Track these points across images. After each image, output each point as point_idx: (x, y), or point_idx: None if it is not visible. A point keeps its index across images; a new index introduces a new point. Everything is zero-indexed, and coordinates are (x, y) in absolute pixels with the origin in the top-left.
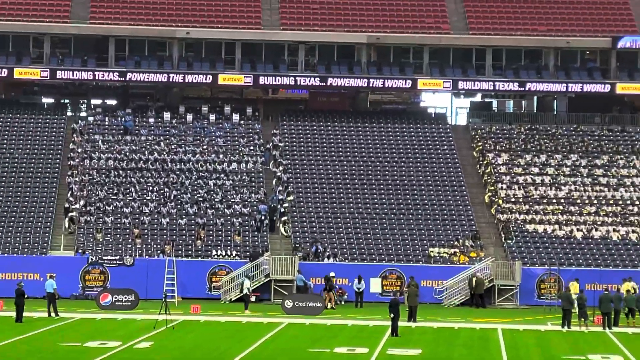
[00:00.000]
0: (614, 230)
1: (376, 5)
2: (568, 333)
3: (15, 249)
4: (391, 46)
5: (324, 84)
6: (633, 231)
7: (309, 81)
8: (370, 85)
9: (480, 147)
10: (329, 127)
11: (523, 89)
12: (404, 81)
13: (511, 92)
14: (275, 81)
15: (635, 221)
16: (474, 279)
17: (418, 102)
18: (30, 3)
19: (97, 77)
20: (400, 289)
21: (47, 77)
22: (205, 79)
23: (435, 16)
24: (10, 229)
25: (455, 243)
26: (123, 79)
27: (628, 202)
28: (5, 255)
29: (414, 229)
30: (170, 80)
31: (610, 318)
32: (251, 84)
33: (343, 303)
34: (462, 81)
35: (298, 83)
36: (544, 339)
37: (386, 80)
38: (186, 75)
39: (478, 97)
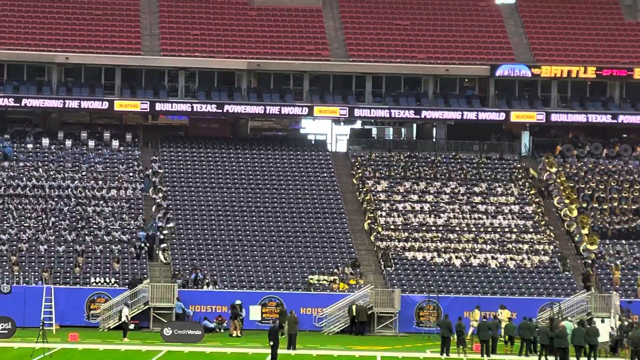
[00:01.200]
0: (492, 257)
1: (257, 32)
2: None
3: None
4: (271, 73)
5: (221, 110)
6: (511, 258)
7: (205, 107)
8: (267, 112)
9: (360, 174)
10: (209, 154)
11: (418, 116)
12: (301, 108)
13: (407, 120)
14: (171, 107)
15: (513, 248)
16: (354, 307)
17: (298, 129)
18: None
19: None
20: (280, 317)
21: None
22: (102, 105)
23: (316, 43)
24: None
25: (335, 270)
26: (19, 104)
27: (506, 229)
28: None
29: (293, 257)
30: (66, 106)
31: (489, 345)
32: (148, 110)
33: (222, 331)
34: (359, 109)
35: (194, 109)
36: None
37: (282, 108)
38: (81, 102)
39: (358, 124)
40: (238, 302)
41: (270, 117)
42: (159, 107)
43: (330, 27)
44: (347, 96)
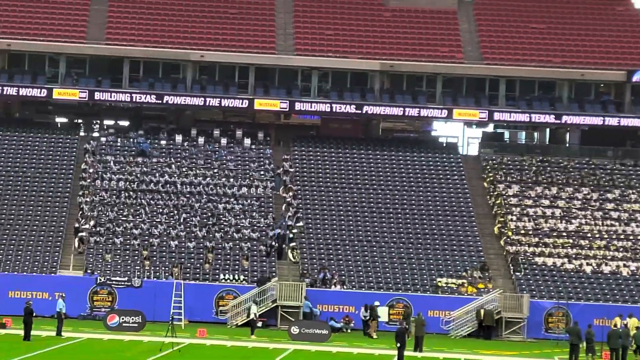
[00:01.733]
0: (624, 265)
1: (390, 33)
2: None
3: (25, 268)
4: (404, 74)
5: (360, 111)
6: None
7: (345, 108)
8: (406, 113)
9: (491, 178)
10: (340, 154)
11: (559, 121)
12: (440, 110)
13: (545, 125)
14: (310, 107)
15: None
16: (482, 311)
17: (429, 131)
18: (47, 23)
19: (148, 100)
20: (404, 318)
21: (85, 97)
22: (242, 103)
23: (450, 45)
24: (21, 247)
25: (464, 274)
26: (160, 101)
27: (639, 237)
28: (15, 273)
29: (422, 259)
30: (207, 104)
31: (619, 354)
32: (287, 109)
33: (349, 331)
34: (498, 112)
35: (333, 110)
36: None
37: (422, 110)
38: (222, 100)
39: (490, 128)
40: (376, 303)
41: (408, 119)
42: (298, 106)
43: (465, 30)
44: (480, 99)
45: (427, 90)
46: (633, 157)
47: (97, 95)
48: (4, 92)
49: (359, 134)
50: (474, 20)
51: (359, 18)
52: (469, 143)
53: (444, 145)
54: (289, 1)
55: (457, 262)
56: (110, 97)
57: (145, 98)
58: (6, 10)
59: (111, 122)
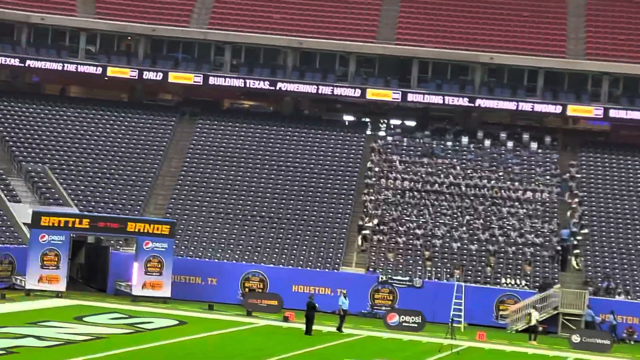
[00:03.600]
0: None
1: None
2: None
3: (309, 263)
4: None
5: None
6: None
7: None
8: None
9: None
10: (629, 162)
11: None
12: None
13: None
14: (626, 115)
15: None
16: None
17: None
18: (339, 22)
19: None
20: None
21: (398, 99)
22: (555, 109)
23: None
24: (306, 242)
25: None
26: (442, 103)
27: None
28: (299, 268)
29: None
30: (518, 109)
31: None
32: (601, 116)
33: (632, 343)
34: None
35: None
36: None
37: None
38: (535, 105)
39: None
40: None
41: None
42: (613, 114)
43: None
44: None
45: None
46: None
47: (410, 97)
48: (319, 92)
49: None
50: None
51: None
52: None
53: None
54: (581, 5)
55: None
56: (423, 99)
57: (434, 99)
58: (300, 9)
59: (398, 122)
